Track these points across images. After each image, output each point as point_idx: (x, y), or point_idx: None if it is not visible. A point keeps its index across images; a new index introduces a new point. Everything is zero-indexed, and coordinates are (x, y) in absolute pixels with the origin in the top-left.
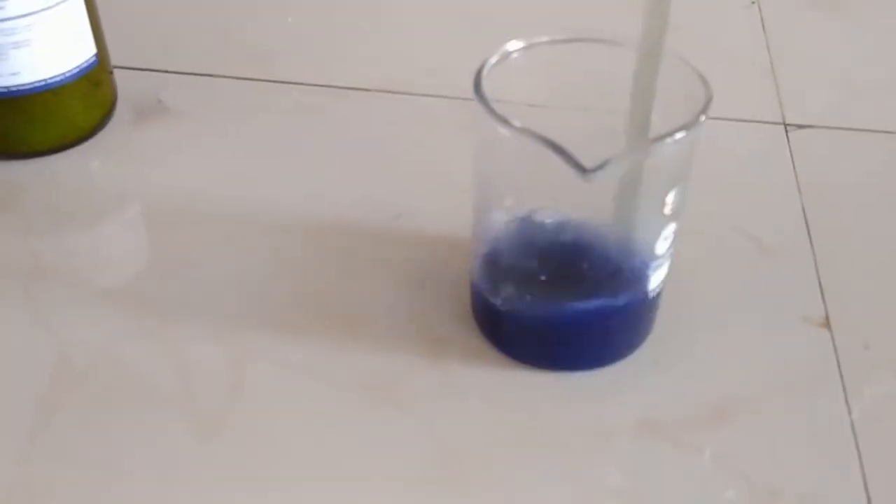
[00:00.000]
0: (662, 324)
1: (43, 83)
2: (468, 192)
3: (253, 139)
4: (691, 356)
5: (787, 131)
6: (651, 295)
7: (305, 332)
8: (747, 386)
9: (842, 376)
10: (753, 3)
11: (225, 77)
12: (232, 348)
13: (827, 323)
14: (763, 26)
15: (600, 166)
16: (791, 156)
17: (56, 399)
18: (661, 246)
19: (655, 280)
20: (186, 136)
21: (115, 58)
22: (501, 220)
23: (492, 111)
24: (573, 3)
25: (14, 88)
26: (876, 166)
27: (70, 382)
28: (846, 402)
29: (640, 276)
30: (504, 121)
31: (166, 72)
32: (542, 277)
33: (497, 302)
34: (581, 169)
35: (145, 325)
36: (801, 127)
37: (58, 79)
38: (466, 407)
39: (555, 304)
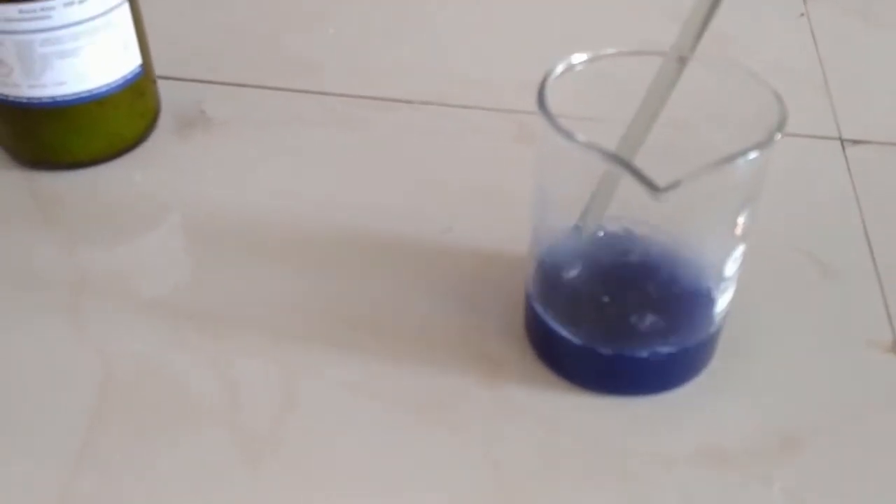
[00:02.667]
0: (724, 347)
1: (88, 94)
2: (517, 205)
3: (297, 151)
4: (754, 382)
5: (843, 147)
6: (717, 319)
7: (356, 349)
8: (814, 414)
9: None
10: (802, 15)
11: (268, 88)
12: (281, 365)
13: (895, 347)
14: (813, 37)
15: (673, 185)
16: (849, 172)
17: (102, 416)
18: (731, 268)
19: (722, 303)
20: (230, 147)
21: (158, 68)
22: (562, 237)
23: (556, 126)
24: (612, 16)
25: (59, 98)
26: None
27: (116, 399)
28: None
29: (707, 299)
30: (570, 136)
31: (209, 82)
32: (605, 299)
33: (555, 324)
34: (653, 187)
35: (193, 340)
36: (857, 142)
37: (104, 89)
38: (522, 430)
39: (616, 328)
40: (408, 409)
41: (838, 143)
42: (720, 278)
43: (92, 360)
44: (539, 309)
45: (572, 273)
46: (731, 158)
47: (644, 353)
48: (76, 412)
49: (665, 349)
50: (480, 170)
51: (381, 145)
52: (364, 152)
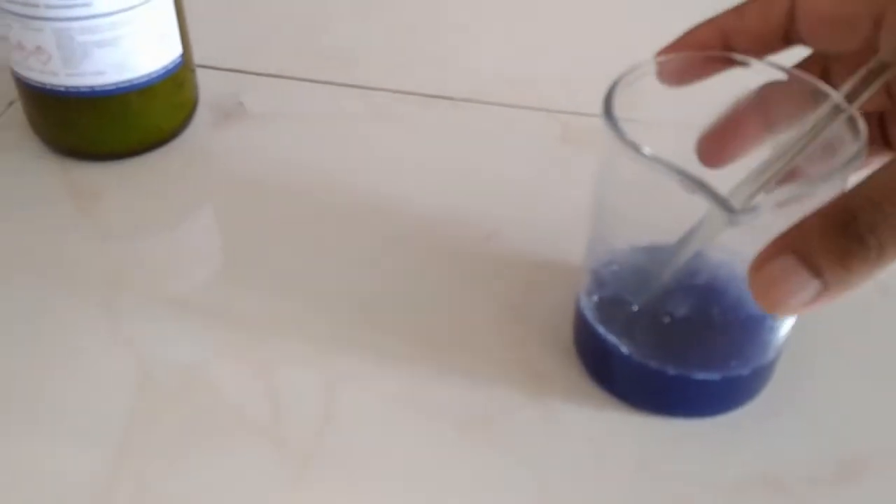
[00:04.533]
0: (781, 369)
1: (128, 83)
2: (562, 209)
3: (336, 145)
4: (812, 405)
5: None
6: (779, 344)
7: (398, 359)
8: (873, 441)
9: None
10: None
11: (307, 80)
12: (323, 372)
13: None
14: None
15: (751, 209)
16: None
17: (140, 422)
18: None
19: (785, 328)
20: (268, 140)
21: (196, 57)
22: (622, 250)
23: (623, 137)
24: (654, 15)
25: (98, 88)
26: None
27: (154, 404)
28: None
29: (771, 325)
30: (637, 149)
31: (248, 72)
32: (666, 319)
33: (610, 339)
34: (728, 209)
35: (232, 342)
36: None
37: (144, 79)
38: (571, 450)
39: (676, 349)
40: (452, 424)
41: None
42: None
43: (128, 364)
44: (593, 323)
45: (630, 291)
46: (812, 183)
47: (702, 375)
48: (113, 420)
49: (723, 373)
50: (524, 171)
51: (422, 142)
52: (404, 149)
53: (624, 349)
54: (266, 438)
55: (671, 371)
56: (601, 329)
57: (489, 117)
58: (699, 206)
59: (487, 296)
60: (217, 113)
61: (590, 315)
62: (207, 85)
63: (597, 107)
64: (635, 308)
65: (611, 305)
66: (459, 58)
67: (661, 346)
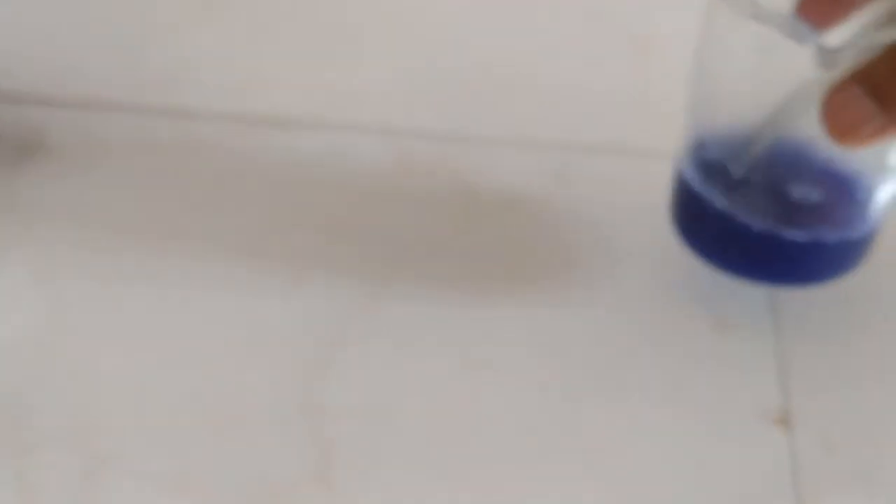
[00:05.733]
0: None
1: None
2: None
3: (152, 181)
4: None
5: None
6: (875, 214)
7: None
8: None
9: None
10: None
11: (120, 109)
12: None
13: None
14: None
15: (844, 47)
16: None
17: None
18: (894, 157)
19: (883, 196)
20: (77, 179)
21: None
22: (722, 115)
23: None
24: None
25: None
26: None
27: None
28: None
29: (867, 189)
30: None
31: (52, 104)
32: (758, 177)
33: (704, 197)
34: (822, 48)
35: None
36: None
37: None
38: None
39: (766, 206)
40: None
41: None
42: (881, 167)
43: None
44: (691, 184)
45: (731, 154)
46: None
47: (789, 235)
48: None
49: (811, 236)
50: (354, 199)
51: (246, 174)
52: (231, 180)
53: (717, 204)
54: None
55: (757, 227)
56: (697, 188)
57: (321, 143)
58: (797, 70)
59: None
60: (13, 149)
61: (688, 176)
62: (4, 118)
63: (437, 127)
64: (732, 168)
65: (708, 166)
66: (288, 75)
67: (753, 202)
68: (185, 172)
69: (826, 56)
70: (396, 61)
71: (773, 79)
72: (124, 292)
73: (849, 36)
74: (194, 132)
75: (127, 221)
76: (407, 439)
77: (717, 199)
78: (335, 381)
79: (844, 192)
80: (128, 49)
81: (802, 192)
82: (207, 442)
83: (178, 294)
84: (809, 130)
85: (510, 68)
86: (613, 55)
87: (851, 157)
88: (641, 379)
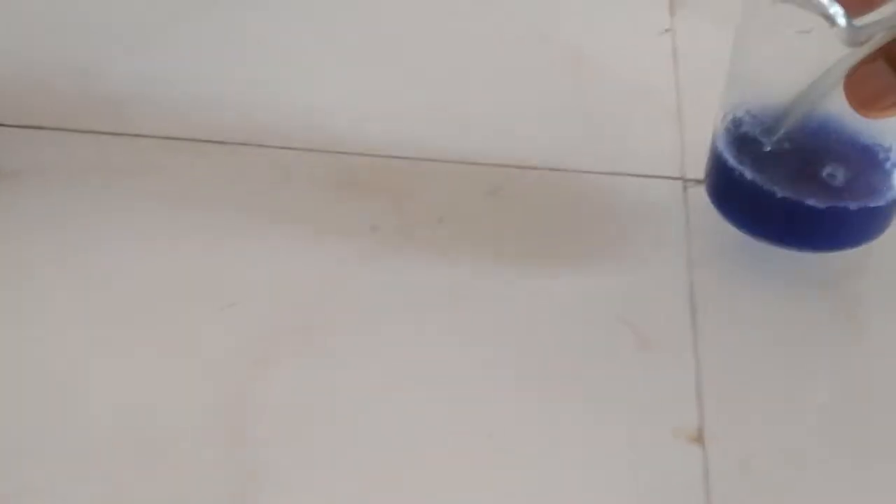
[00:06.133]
0: None
1: None
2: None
3: (101, 205)
4: None
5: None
6: (892, 190)
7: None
8: None
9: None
10: (668, 30)
11: (68, 131)
12: None
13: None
14: (675, 57)
15: (871, 25)
16: (687, 213)
17: None
18: None
19: None
20: (20, 205)
21: None
22: (755, 91)
23: None
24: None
25: None
26: None
27: None
28: None
29: (888, 160)
30: None
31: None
32: (786, 146)
33: (733, 166)
34: (850, 25)
35: None
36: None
37: None
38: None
39: (790, 174)
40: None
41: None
42: None
43: None
44: (724, 154)
45: (764, 128)
46: None
47: (811, 202)
48: None
49: (831, 203)
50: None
51: (194, 194)
52: (178, 202)
53: (747, 175)
54: None
55: (780, 193)
56: (731, 162)
57: (264, 162)
58: (827, 53)
59: None
60: None
61: (722, 150)
62: None
63: (387, 146)
64: (764, 141)
65: (741, 141)
66: (233, 96)
67: (780, 174)
68: (133, 193)
69: (854, 34)
70: (338, 81)
71: (806, 57)
72: (54, 318)
73: (876, 16)
74: (143, 153)
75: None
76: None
77: (748, 171)
78: (261, 401)
79: (868, 164)
80: (78, 73)
81: (828, 165)
82: (131, 470)
83: (107, 327)
84: (838, 106)
85: (448, 87)
86: (551, 74)
87: (876, 131)
88: (562, 394)
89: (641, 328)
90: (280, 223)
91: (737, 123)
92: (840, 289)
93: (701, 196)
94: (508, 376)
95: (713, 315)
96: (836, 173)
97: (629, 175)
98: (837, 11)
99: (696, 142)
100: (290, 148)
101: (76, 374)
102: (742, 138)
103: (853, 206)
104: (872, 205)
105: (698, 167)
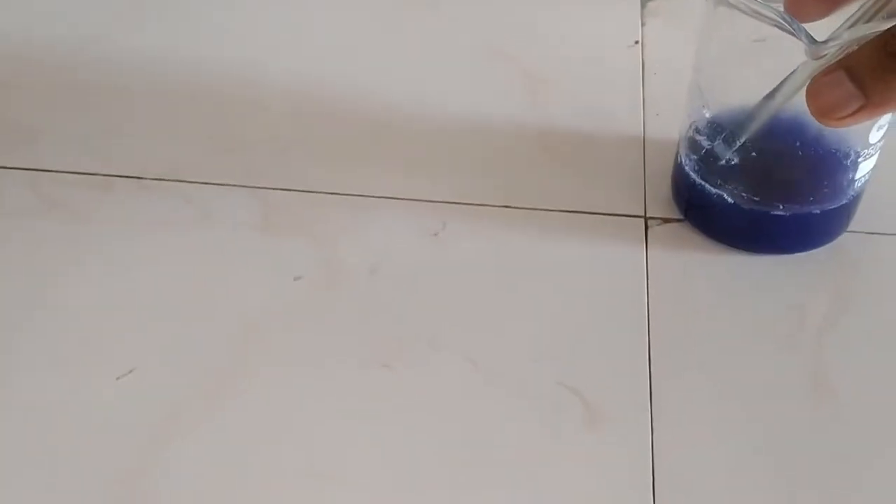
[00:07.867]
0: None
1: None
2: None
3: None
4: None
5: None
6: (857, 185)
7: None
8: None
9: None
10: (637, 43)
11: None
12: None
13: None
14: (642, 71)
15: (831, 39)
16: (646, 256)
17: None
18: (875, 135)
19: (863, 169)
20: None
21: None
22: (717, 103)
23: None
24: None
25: None
26: None
27: None
28: None
29: (851, 164)
30: None
31: None
32: (751, 155)
33: (695, 180)
34: (811, 40)
35: None
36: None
37: None
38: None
39: (756, 183)
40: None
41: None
42: (865, 144)
43: None
44: (686, 168)
45: (724, 130)
46: (891, 15)
47: (777, 211)
48: None
49: (804, 209)
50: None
51: (103, 236)
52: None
53: (710, 188)
54: None
55: (745, 206)
56: (693, 175)
57: (181, 199)
58: (788, 60)
59: None
60: None
61: (685, 163)
62: None
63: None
64: (725, 153)
65: (702, 154)
66: (146, 128)
67: (743, 180)
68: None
69: (815, 47)
70: (272, 115)
71: (766, 69)
72: None
73: (835, 28)
74: (43, 189)
75: None
76: None
77: (710, 183)
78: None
79: (827, 169)
80: None
81: (787, 173)
82: None
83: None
84: (798, 114)
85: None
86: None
87: (835, 138)
88: (512, 470)
89: (596, 402)
90: (199, 262)
91: (700, 132)
92: (811, 353)
93: (666, 237)
94: (459, 442)
95: (668, 387)
96: (796, 183)
97: (586, 213)
98: (797, 26)
99: (661, 171)
100: (208, 183)
101: None
102: (705, 147)
103: (815, 210)
104: (837, 205)
105: (661, 203)
